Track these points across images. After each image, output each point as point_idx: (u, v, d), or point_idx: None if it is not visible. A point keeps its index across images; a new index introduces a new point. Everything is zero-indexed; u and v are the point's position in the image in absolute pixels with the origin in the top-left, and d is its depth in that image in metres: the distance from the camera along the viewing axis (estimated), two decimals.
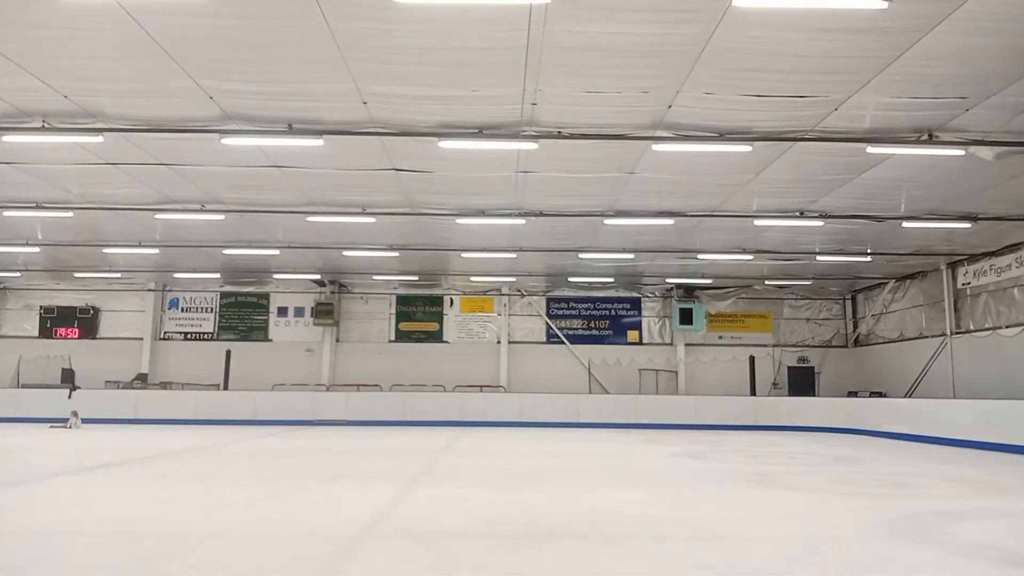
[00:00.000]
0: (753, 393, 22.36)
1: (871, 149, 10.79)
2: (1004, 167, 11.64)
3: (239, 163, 12.28)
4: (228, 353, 23.12)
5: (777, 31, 7.80)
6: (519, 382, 24.49)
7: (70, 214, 15.18)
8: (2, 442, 14.00)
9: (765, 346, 24.94)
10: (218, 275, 23.70)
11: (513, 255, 19.07)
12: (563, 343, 25.08)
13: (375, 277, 23.60)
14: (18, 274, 23.03)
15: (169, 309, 25.21)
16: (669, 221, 15.52)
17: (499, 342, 25.00)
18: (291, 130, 10.55)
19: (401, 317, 25.32)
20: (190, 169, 12.65)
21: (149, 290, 24.77)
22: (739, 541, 5.50)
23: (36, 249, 19.12)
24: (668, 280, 23.76)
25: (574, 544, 5.31)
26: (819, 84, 9.09)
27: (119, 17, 7.54)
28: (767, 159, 11.79)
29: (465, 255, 19.22)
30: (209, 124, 10.45)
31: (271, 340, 25.00)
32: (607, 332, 25.28)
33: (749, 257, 19.21)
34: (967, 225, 15.10)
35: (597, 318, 25.40)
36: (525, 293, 25.24)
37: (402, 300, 25.37)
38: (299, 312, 25.09)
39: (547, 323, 25.28)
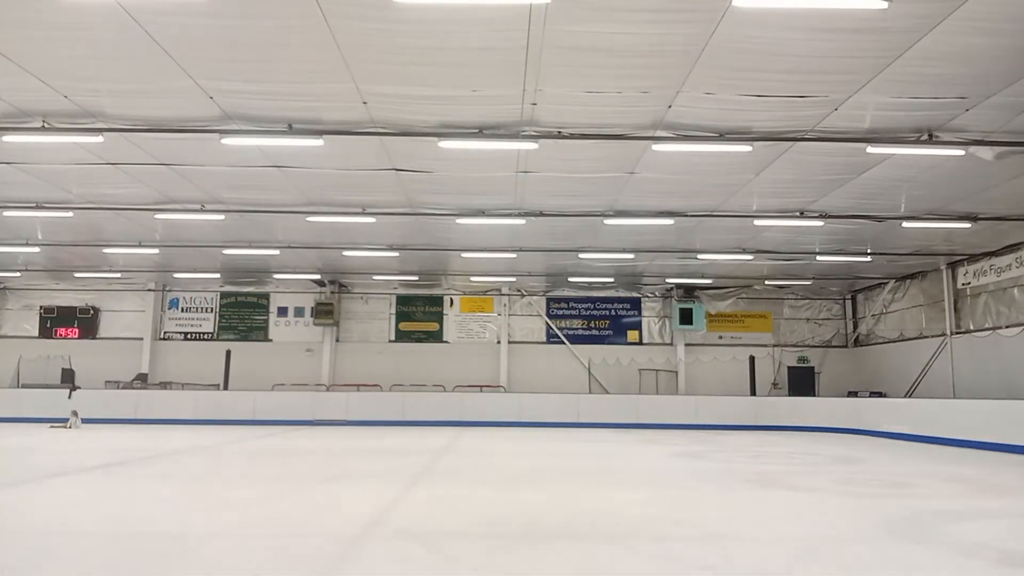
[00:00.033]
0: (753, 393, 22.36)
1: (871, 149, 10.79)
2: (1004, 167, 11.64)
3: (239, 163, 12.28)
4: (228, 353, 23.12)
5: (777, 31, 7.80)
6: (519, 382, 24.49)
7: (70, 214, 15.19)
8: (2, 442, 14.01)
9: (765, 346, 24.94)
10: (218, 275, 23.70)
11: (513, 255, 19.07)
12: (563, 343, 25.08)
13: (375, 277, 23.61)
14: (18, 274, 23.03)
15: (169, 309, 25.22)
16: (669, 221, 15.53)
17: (499, 342, 25.00)
18: (291, 130, 10.55)
19: (401, 317, 25.32)
20: (190, 169, 12.65)
21: (149, 290, 24.77)
22: (739, 541, 5.50)
23: (36, 249, 19.12)
24: (668, 280, 23.76)
25: (574, 544, 5.31)
26: (819, 84, 9.09)
27: (119, 17, 7.55)
28: (767, 159, 11.79)
29: (465, 255, 19.22)
30: (209, 124, 10.45)
31: (271, 340, 25.01)
32: (607, 332, 25.28)
33: (749, 257, 19.21)
34: (967, 225, 15.11)
35: (597, 318, 25.40)
36: (525, 293, 25.24)
37: (402, 300, 25.37)
38: (299, 312, 25.09)
39: (547, 323, 25.28)
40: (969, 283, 19.07)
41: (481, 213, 15.15)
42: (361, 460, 11.52)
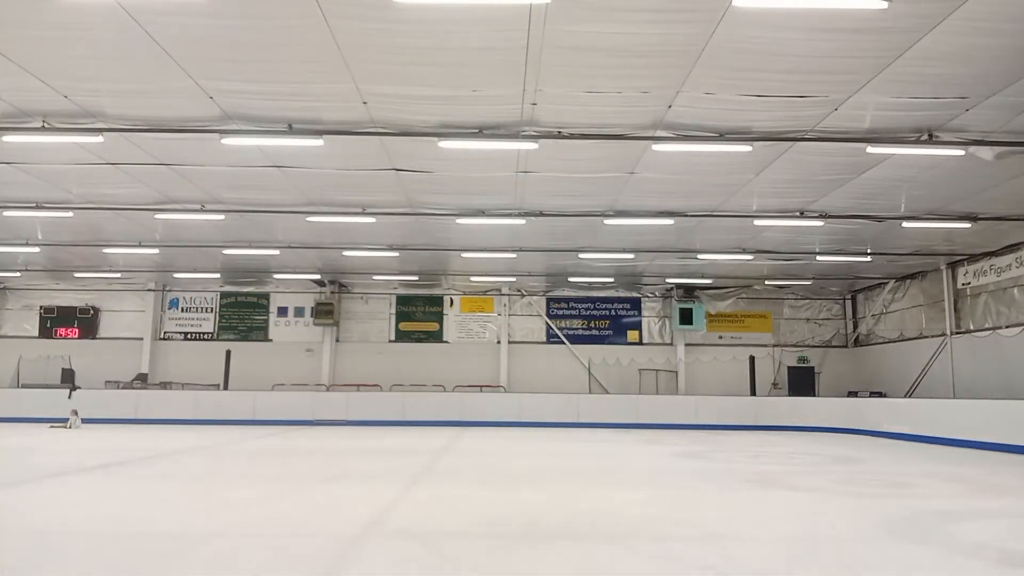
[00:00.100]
0: (753, 393, 22.36)
1: (871, 149, 10.79)
2: (1004, 167, 11.64)
3: (239, 163, 12.28)
4: (228, 353, 23.12)
5: (777, 31, 7.80)
6: (519, 382, 24.49)
7: (70, 214, 15.18)
8: (2, 442, 14.01)
9: (765, 346, 24.94)
10: (218, 275, 23.70)
11: (513, 255, 19.07)
12: (563, 343, 25.08)
13: (375, 277, 23.60)
14: (18, 274, 23.03)
15: (169, 309, 25.21)
16: (669, 221, 15.53)
17: (499, 342, 25.00)
18: (291, 130, 10.55)
19: (401, 317, 25.32)
20: (190, 169, 12.65)
21: (149, 290, 24.77)
22: (739, 541, 5.50)
23: (36, 249, 19.12)
24: (668, 280, 23.76)
25: (574, 544, 5.31)
26: (819, 84, 9.09)
27: (119, 17, 7.54)
28: (767, 159, 11.79)
29: (465, 255, 19.22)
30: (209, 124, 10.45)
31: (271, 340, 25.00)
32: (607, 332, 25.28)
33: (749, 257, 19.21)
34: (967, 225, 15.10)
35: (597, 318, 25.40)
36: (525, 293, 25.24)
37: (402, 300, 25.37)
38: (299, 312, 25.09)
39: (547, 323, 25.28)
40: (969, 283, 19.07)
41: (481, 213, 15.15)
42: (361, 460, 11.52)
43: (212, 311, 25.22)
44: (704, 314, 24.55)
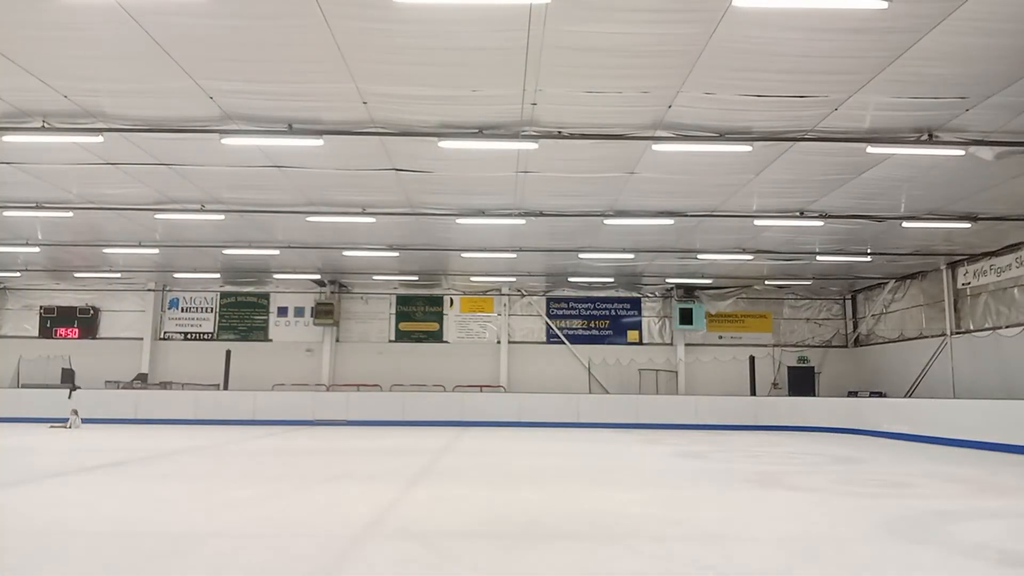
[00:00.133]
0: (753, 393, 22.36)
1: (871, 149, 10.79)
2: (1004, 167, 11.64)
3: (239, 163, 12.28)
4: (228, 353, 23.12)
5: (777, 31, 7.80)
6: (519, 382, 24.49)
7: (70, 214, 15.18)
8: (2, 442, 14.01)
9: (765, 346, 24.93)
10: (218, 275, 23.70)
11: (513, 255, 19.07)
12: (563, 343, 25.07)
13: (375, 277, 23.60)
14: (18, 274, 23.03)
15: (169, 309, 25.21)
16: (669, 221, 15.52)
17: (499, 342, 25.00)
18: (291, 130, 10.55)
19: (401, 317, 25.32)
20: (190, 169, 12.65)
21: (149, 290, 24.77)
22: (739, 541, 5.50)
23: (36, 249, 19.12)
24: (668, 280, 23.76)
25: (574, 544, 5.31)
26: (819, 84, 9.09)
27: (119, 17, 7.54)
28: (767, 159, 11.79)
29: (465, 255, 19.22)
30: (209, 124, 10.45)
31: (271, 340, 25.00)
32: (607, 332, 25.28)
33: (749, 257, 19.21)
34: (967, 225, 15.10)
35: (597, 318, 25.39)
36: (525, 293, 25.23)
37: (402, 300, 25.37)
38: (299, 312, 25.08)
39: (547, 323, 25.28)
40: (969, 283, 19.06)
41: (481, 213, 15.15)
42: (361, 460, 11.52)
43: (212, 311, 25.22)
44: (704, 314, 24.55)
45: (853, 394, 22.83)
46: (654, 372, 24.72)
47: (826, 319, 25.52)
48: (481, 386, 24.04)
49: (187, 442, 14.24)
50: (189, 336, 25.04)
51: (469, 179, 13.08)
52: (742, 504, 7.33)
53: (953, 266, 19.65)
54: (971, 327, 19.01)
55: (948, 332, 19.66)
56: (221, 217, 15.49)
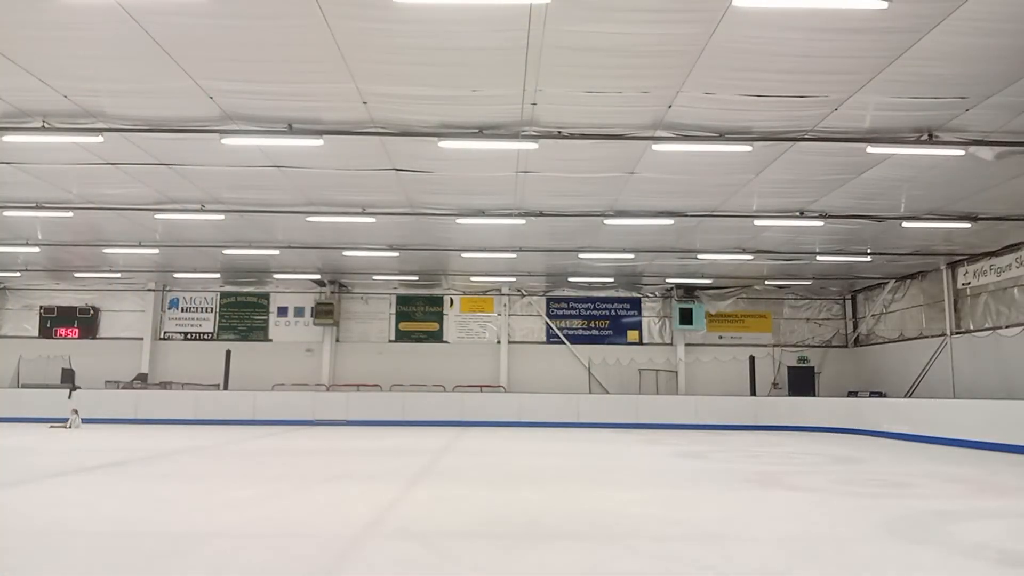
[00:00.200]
0: (753, 393, 22.36)
1: (871, 149, 10.79)
2: (1004, 167, 11.64)
3: (239, 163, 12.28)
4: (228, 353, 23.12)
5: (777, 31, 7.80)
6: (519, 382, 24.49)
7: (70, 214, 15.18)
8: (2, 442, 14.01)
9: (765, 346, 24.93)
10: (218, 275, 23.70)
11: (513, 255, 19.07)
12: (563, 343, 25.07)
13: (375, 277, 23.60)
14: (18, 274, 23.03)
15: (169, 309, 25.21)
16: (669, 221, 15.52)
17: (499, 342, 25.00)
18: (291, 130, 10.55)
19: (401, 317, 25.32)
20: (190, 169, 12.65)
21: (149, 290, 24.77)
22: (739, 541, 5.50)
23: (36, 249, 19.12)
24: (668, 280, 23.76)
25: (574, 544, 5.31)
26: (819, 84, 9.09)
27: (119, 17, 7.54)
28: (767, 159, 11.79)
29: (465, 255, 19.22)
30: (209, 124, 10.45)
31: (271, 340, 25.00)
32: (607, 332, 25.28)
33: (749, 257, 19.21)
34: (967, 225, 15.10)
35: (597, 318, 25.39)
36: (525, 293, 25.24)
37: (402, 300, 25.37)
38: (299, 312, 25.08)
39: (547, 323, 25.28)
40: (969, 283, 19.07)
41: (481, 213, 15.15)
42: (361, 460, 11.52)
43: (212, 311, 25.22)
44: (704, 314, 24.55)
45: (853, 394, 22.83)
46: (654, 372, 24.73)
47: (826, 319, 25.52)
48: (481, 386, 24.04)
49: (187, 442, 14.24)
50: (189, 336, 25.04)
51: (469, 179, 13.08)
52: (742, 504, 7.33)
53: (953, 266, 19.65)
54: (971, 327, 19.01)
55: (948, 332, 19.66)
56: (221, 217, 15.49)
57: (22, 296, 25.21)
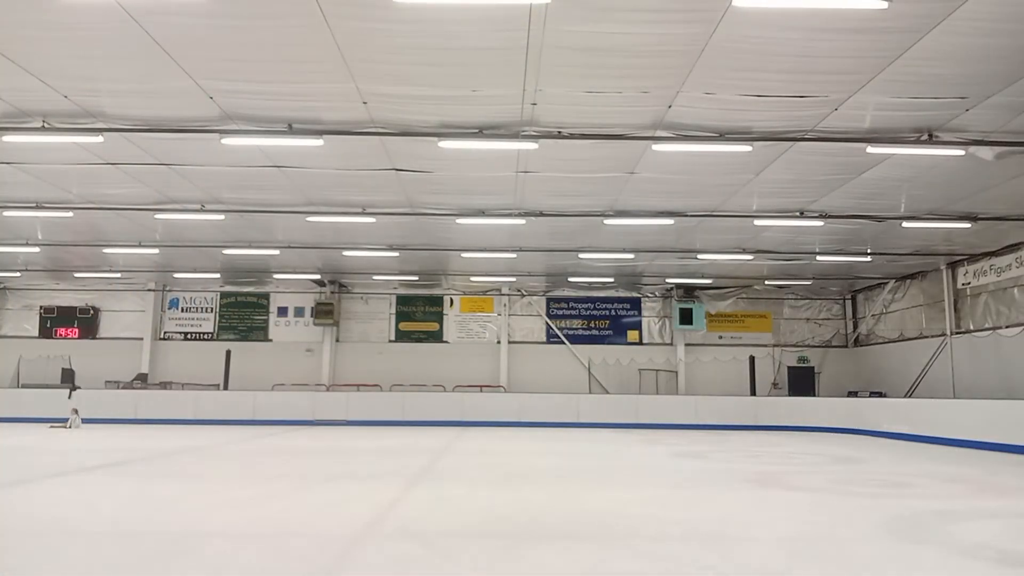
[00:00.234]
0: (753, 393, 22.36)
1: (871, 149, 10.79)
2: (1004, 167, 11.64)
3: (239, 163, 12.28)
4: (228, 353, 23.12)
5: (777, 31, 7.80)
6: (519, 382, 24.49)
7: (70, 214, 15.18)
8: (2, 442, 14.01)
9: (765, 346, 24.93)
10: (218, 275, 23.70)
11: (513, 255, 19.07)
12: (563, 343, 25.07)
13: (375, 277, 23.60)
14: (18, 274, 23.02)
15: (169, 309, 25.21)
16: (669, 221, 15.52)
17: (499, 342, 24.99)
18: (291, 130, 10.55)
19: (401, 317, 25.32)
20: (190, 169, 12.65)
21: (149, 290, 24.77)
22: (739, 541, 5.50)
23: (36, 249, 19.12)
24: (668, 280, 23.76)
25: (574, 544, 5.31)
26: (819, 84, 9.09)
27: (119, 17, 7.54)
28: (767, 159, 11.79)
29: (465, 255, 19.22)
30: (209, 124, 10.45)
31: (271, 340, 25.00)
32: (607, 332, 25.28)
33: (749, 257, 19.21)
34: (967, 225, 15.10)
35: (597, 318, 25.39)
36: (525, 293, 25.23)
37: (402, 300, 25.37)
38: (299, 312, 25.08)
39: (547, 323, 25.28)
40: (969, 283, 19.07)
41: (481, 213, 15.15)
42: (361, 460, 11.52)
43: (212, 311, 25.22)
44: (704, 314, 24.55)
45: (853, 394, 22.83)
46: (654, 372, 24.72)
47: (826, 319, 25.52)
48: (481, 386, 24.04)
49: (187, 442, 14.24)
50: (189, 336, 25.04)
51: (469, 179, 13.08)
52: (742, 504, 7.33)
53: (953, 266, 19.65)
54: (971, 327, 19.01)
55: (948, 332, 19.66)
56: (221, 217, 15.49)
57: (22, 296, 25.21)
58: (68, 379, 23.16)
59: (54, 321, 24.76)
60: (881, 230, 16.16)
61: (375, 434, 17.24)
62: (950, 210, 14.48)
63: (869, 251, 18.52)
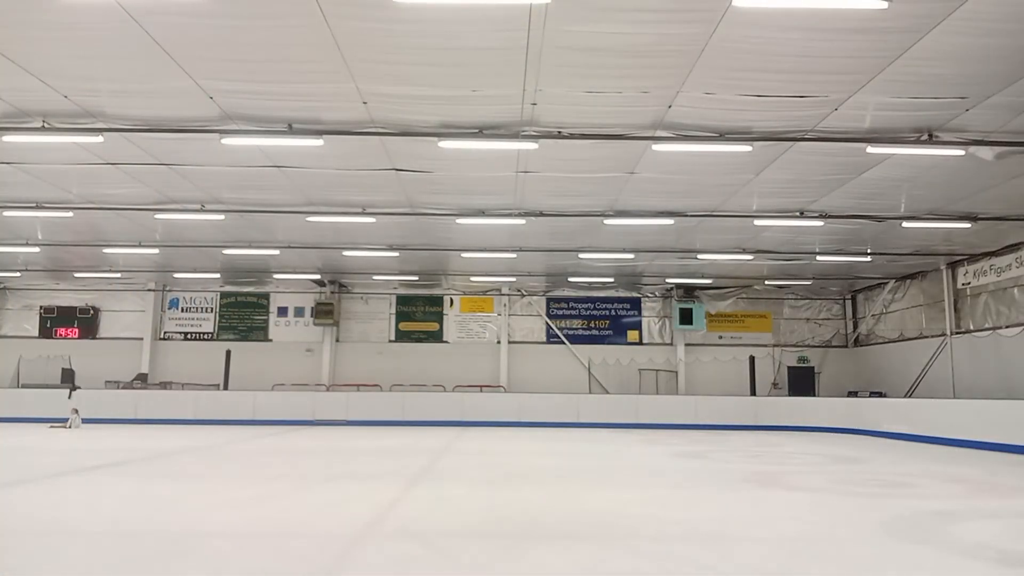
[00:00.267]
0: (753, 393, 22.36)
1: (871, 149, 10.79)
2: (1004, 167, 11.64)
3: (239, 163, 12.28)
4: (228, 353, 23.12)
5: (777, 31, 7.80)
6: (519, 382, 24.49)
7: (70, 214, 15.18)
8: (2, 442, 14.01)
9: (765, 346, 24.93)
10: (218, 275, 23.70)
11: (513, 255, 19.07)
12: (563, 343, 25.07)
13: (375, 277, 23.60)
14: (18, 274, 23.02)
15: (169, 309, 25.21)
16: (669, 221, 15.52)
17: (499, 342, 24.99)
18: (291, 130, 10.55)
19: (401, 317, 25.32)
20: (190, 169, 12.65)
21: (149, 290, 24.77)
22: (738, 541, 5.50)
23: (36, 249, 19.12)
24: (668, 280, 23.76)
25: (574, 544, 5.31)
26: (819, 84, 9.09)
27: (119, 17, 7.54)
28: (767, 159, 11.79)
29: (465, 255, 19.22)
30: (209, 124, 10.45)
31: (271, 340, 25.00)
32: (607, 332, 25.28)
33: (749, 257, 19.21)
34: (967, 225, 15.10)
35: (597, 318, 25.39)
36: (525, 293, 25.23)
37: (402, 300, 25.37)
38: (299, 312, 25.08)
39: (547, 323, 25.28)
40: (969, 283, 19.07)
41: (481, 213, 15.15)
42: (361, 460, 11.52)
43: (212, 311, 25.22)
44: (704, 314, 24.55)
45: (853, 394, 22.83)
46: (654, 372, 24.72)
47: (826, 319, 25.52)
48: (481, 386, 24.04)
49: (187, 442, 14.24)
50: (189, 336, 25.04)
51: (469, 179, 13.08)
52: (741, 504, 7.33)
53: (953, 266, 19.65)
54: (971, 327, 19.01)
55: (948, 332, 19.66)
56: (221, 217, 15.49)
57: (22, 296, 25.21)
58: (68, 379, 23.16)
59: (54, 321, 24.76)
60: (881, 230, 16.16)
61: (375, 434, 17.24)
62: (950, 210, 14.48)
63: (869, 251, 18.52)
